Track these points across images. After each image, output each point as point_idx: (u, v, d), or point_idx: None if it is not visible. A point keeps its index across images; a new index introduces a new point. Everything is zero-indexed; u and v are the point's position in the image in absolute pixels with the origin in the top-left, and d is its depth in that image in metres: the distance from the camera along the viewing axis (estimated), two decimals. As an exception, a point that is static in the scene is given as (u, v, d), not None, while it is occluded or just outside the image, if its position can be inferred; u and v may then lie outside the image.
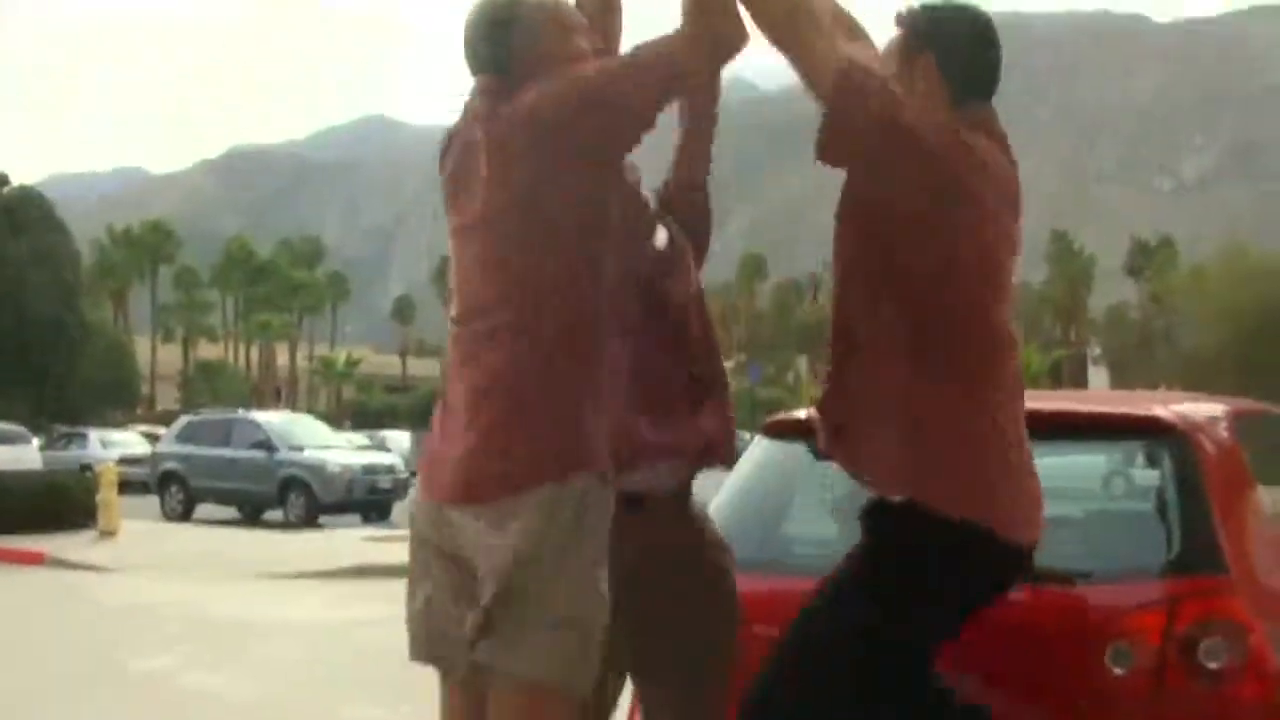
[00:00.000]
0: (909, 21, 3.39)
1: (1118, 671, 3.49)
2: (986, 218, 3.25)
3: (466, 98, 3.34)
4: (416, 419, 58.91)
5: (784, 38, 3.15)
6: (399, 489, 26.68)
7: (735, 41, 3.21)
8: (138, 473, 30.84)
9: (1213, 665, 3.45)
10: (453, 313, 3.31)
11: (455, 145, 3.31)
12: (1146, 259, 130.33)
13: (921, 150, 3.13)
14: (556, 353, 3.13)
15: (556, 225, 3.13)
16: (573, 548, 3.08)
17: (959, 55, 3.36)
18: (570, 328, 3.15)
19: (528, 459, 3.09)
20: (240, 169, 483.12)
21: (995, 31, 3.44)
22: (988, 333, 3.28)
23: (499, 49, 3.26)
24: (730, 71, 3.46)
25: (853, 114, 3.09)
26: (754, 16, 3.15)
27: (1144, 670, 3.48)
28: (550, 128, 3.09)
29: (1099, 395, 5.19)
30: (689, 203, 3.73)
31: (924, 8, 3.42)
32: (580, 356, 3.17)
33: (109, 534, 20.42)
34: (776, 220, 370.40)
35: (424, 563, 3.28)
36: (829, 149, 3.16)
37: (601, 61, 3.26)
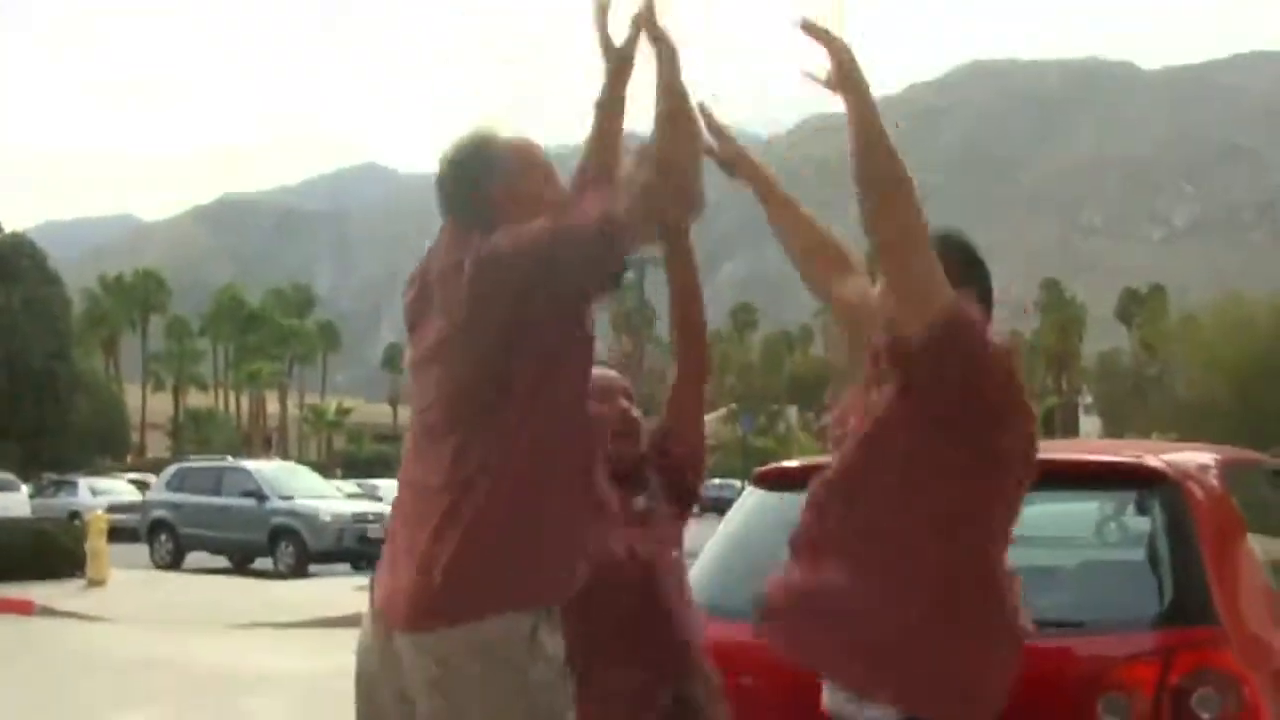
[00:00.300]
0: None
1: (1111, 722, 3.48)
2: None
3: (431, 242, 3.31)
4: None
5: (892, 257, 3.16)
6: (390, 538, 26.56)
7: (683, 221, 3.22)
8: (127, 520, 30.67)
9: (1206, 716, 3.43)
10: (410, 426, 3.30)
11: (417, 281, 3.29)
12: (1138, 307, 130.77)
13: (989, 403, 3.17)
14: (520, 485, 3.06)
15: (509, 366, 3.08)
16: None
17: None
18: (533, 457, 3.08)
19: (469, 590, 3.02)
20: (230, 217, 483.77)
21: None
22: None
23: (469, 192, 3.24)
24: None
25: (947, 357, 3.09)
26: (868, 221, 3.15)
27: None
28: (504, 282, 3.05)
29: (1091, 445, 5.20)
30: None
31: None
32: (544, 486, 3.09)
33: (98, 583, 20.32)
34: (770, 270, 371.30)
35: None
36: (909, 371, 3.16)
37: (550, 221, 3.12)
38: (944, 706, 3.12)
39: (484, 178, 3.23)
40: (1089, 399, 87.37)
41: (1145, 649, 3.53)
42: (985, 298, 3.37)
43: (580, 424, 3.17)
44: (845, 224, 3.41)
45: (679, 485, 3.80)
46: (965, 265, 3.34)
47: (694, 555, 4.51)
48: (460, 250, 3.14)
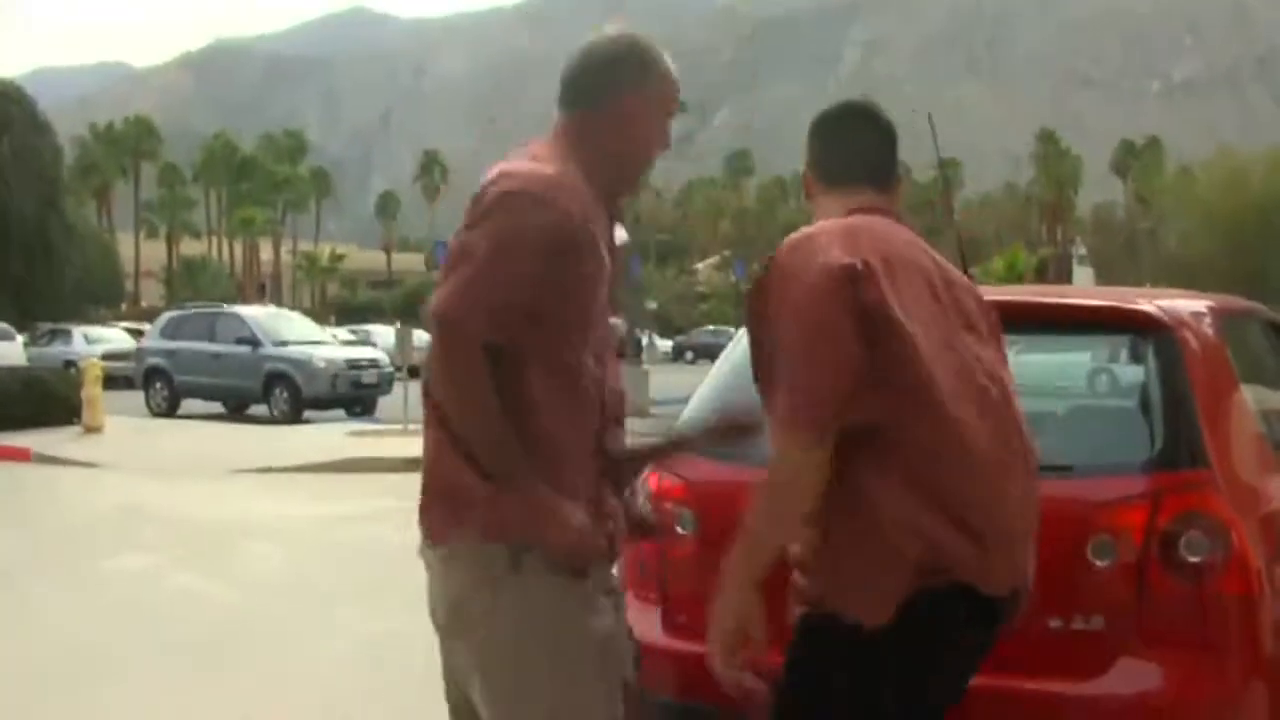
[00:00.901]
0: None
1: (1099, 564, 3.51)
2: None
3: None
4: (401, 314, 58.81)
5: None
6: (384, 383, 26.70)
7: None
8: (122, 368, 30.79)
9: (1194, 559, 3.46)
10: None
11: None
12: (1133, 160, 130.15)
13: None
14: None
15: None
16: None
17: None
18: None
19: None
20: (219, 64, 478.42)
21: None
22: None
23: (605, 81, 3.08)
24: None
25: None
26: None
27: (1126, 563, 3.49)
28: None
29: (1085, 291, 5.18)
30: None
31: None
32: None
33: (94, 430, 20.42)
34: (763, 118, 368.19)
35: None
36: None
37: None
38: None
39: (627, 81, 3.08)
40: (1082, 250, 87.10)
41: (1134, 492, 3.55)
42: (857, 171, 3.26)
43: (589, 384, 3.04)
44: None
45: None
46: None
47: (686, 400, 4.53)
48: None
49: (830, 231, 2.99)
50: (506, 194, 2.91)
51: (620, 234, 3.21)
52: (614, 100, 3.07)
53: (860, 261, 2.84)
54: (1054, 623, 3.54)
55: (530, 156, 3.03)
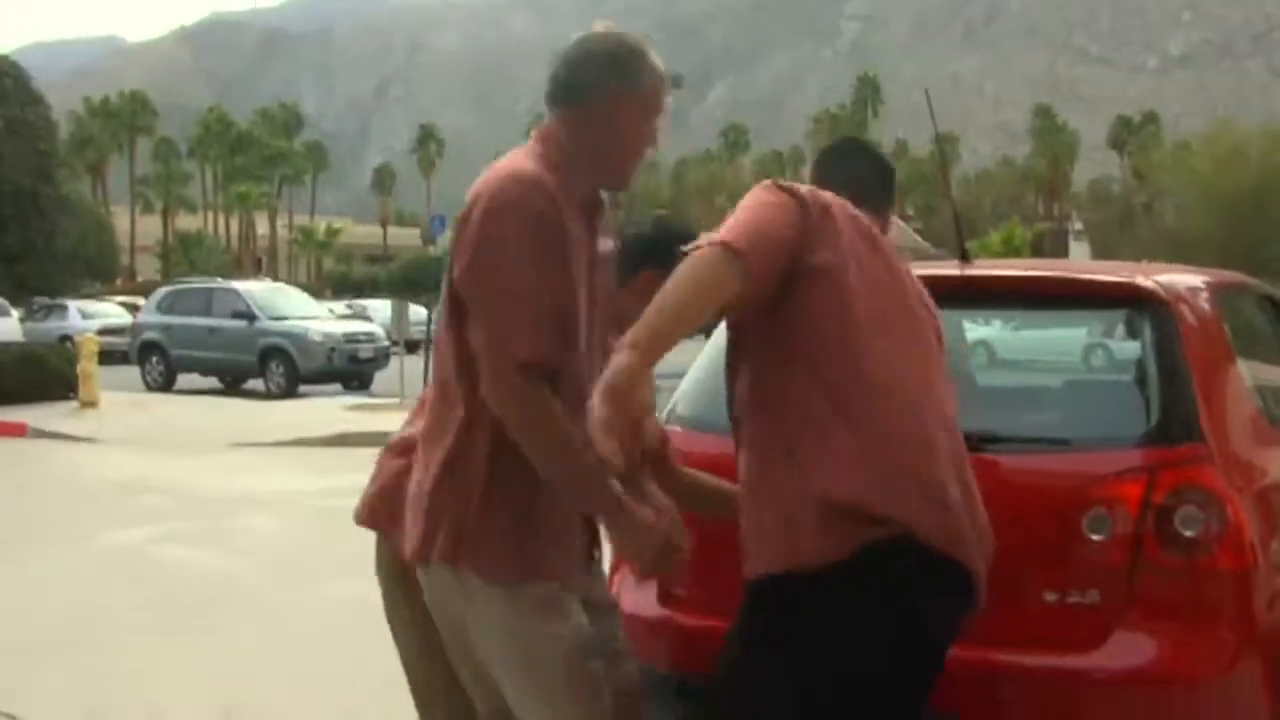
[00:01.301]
0: None
1: (1095, 538, 3.51)
2: None
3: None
4: (397, 289, 58.80)
5: None
6: (380, 358, 26.74)
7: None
8: (118, 343, 30.80)
9: (1189, 534, 3.46)
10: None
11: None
12: (1130, 135, 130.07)
13: None
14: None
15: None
16: None
17: None
18: None
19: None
20: (214, 38, 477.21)
21: None
22: None
23: (590, 78, 3.07)
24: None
25: None
26: None
27: (1121, 537, 3.49)
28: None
29: (1082, 265, 5.17)
30: None
31: None
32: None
33: (90, 405, 20.43)
34: (760, 92, 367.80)
35: None
36: None
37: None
38: None
39: (615, 80, 3.09)
40: (1079, 225, 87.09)
41: (1130, 467, 3.55)
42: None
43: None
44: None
45: None
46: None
47: (680, 375, 4.53)
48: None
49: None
50: (487, 214, 2.94)
51: (606, 244, 3.23)
52: (602, 99, 3.07)
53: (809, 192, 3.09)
54: (1050, 596, 3.54)
55: (511, 161, 3.05)
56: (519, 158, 3.05)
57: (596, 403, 2.70)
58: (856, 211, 3.18)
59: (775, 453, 3.03)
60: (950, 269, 4.21)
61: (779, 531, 3.00)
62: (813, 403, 2.99)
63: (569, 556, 3.06)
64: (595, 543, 3.16)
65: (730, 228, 2.96)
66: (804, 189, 3.10)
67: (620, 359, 2.74)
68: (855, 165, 3.62)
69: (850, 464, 2.93)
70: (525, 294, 2.89)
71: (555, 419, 2.87)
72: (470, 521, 2.98)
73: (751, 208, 3.04)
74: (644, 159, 3.20)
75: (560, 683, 2.99)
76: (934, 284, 3.38)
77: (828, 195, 3.14)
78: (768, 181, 3.14)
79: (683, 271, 2.89)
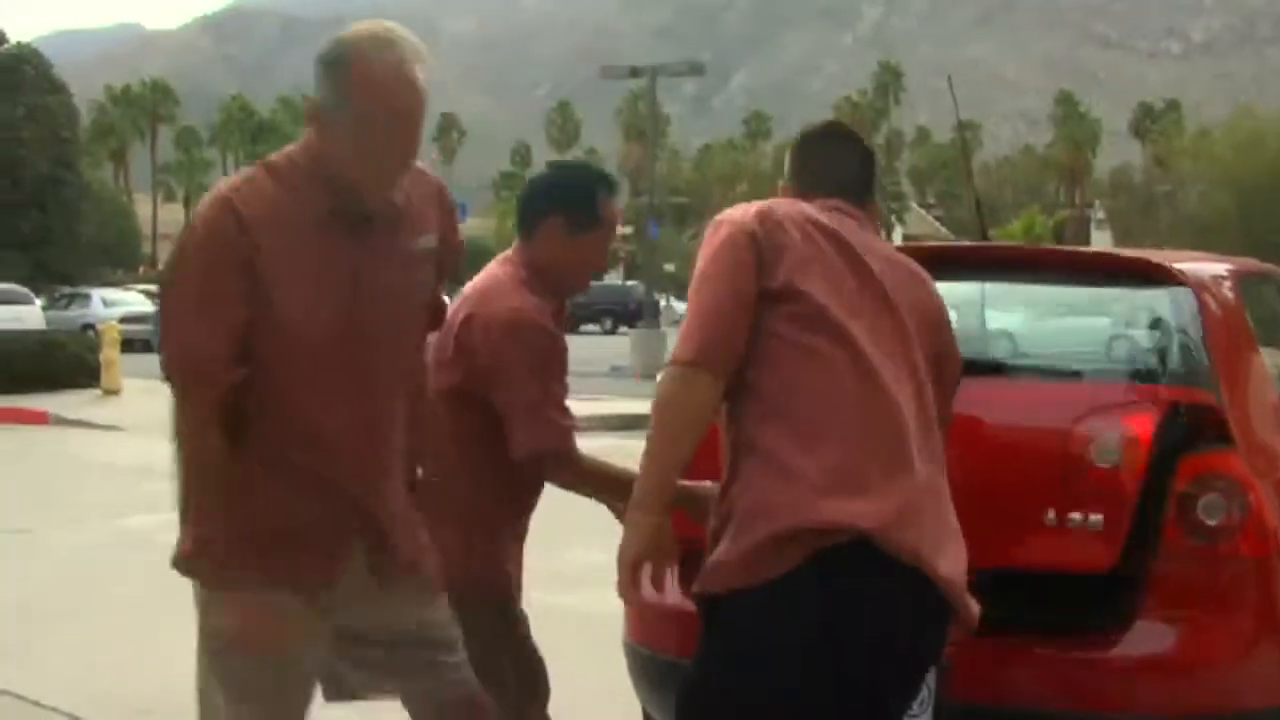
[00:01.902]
0: None
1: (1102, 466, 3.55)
2: None
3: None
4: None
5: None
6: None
7: None
8: (140, 331, 30.86)
9: (1211, 522, 3.47)
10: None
11: None
12: (1152, 122, 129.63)
13: None
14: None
15: None
16: None
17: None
18: None
19: None
20: (235, 26, 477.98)
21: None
22: None
23: (326, 80, 3.13)
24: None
25: None
26: None
27: (1131, 468, 3.53)
28: None
29: (1105, 252, 5.14)
30: None
31: None
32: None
33: (112, 393, 20.50)
34: (780, 78, 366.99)
35: None
36: None
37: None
38: None
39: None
40: (1100, 214, 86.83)
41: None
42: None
43: None
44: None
45: None
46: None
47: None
48: None
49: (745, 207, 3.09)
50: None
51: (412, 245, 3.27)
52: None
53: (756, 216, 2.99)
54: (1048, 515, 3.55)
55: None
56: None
57: (618, 568, 2.87)
58: (817, 215, 3.04)
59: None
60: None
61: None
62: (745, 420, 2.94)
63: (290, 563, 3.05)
64: (379, 559, 3.11)
65: (683, 333, 2.91)
66: (752, 214, 2.99)
67: (632, 527, 2.86)
68: (841, 155, 3.31)
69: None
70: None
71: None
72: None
73: (700, 280, 2.95)
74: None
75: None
76: (961, 255, 3.38)
77: (780, 209, 3.03)
78: (717, 217, 3.07)
79: (657, 412, 2.89)
